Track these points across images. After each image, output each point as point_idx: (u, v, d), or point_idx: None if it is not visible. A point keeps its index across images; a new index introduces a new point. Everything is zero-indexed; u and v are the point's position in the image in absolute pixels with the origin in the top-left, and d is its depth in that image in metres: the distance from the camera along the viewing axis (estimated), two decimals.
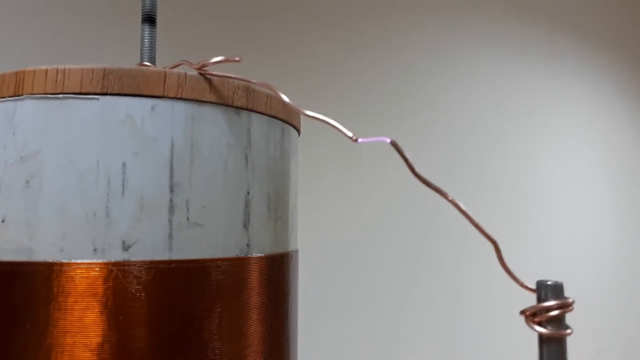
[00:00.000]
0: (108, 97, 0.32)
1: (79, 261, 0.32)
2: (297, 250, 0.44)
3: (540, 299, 0.30)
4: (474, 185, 1.67)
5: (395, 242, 1.44)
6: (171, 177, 0.33)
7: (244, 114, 0.36)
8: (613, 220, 2.24)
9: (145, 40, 0.41)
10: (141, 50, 0.41)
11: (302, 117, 0.40)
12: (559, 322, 0.29)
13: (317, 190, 1.27)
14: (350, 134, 0.30)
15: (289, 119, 0.40)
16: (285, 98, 0.32)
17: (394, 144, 0.31)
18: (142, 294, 0.33)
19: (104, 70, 0.32)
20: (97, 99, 0.32)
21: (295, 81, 1.23)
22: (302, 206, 1.18)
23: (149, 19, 0.41)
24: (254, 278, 0.38)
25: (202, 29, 1.08)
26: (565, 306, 0.29)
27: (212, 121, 0.35)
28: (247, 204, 0.36)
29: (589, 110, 2.19)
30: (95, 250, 0.32)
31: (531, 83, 1.93)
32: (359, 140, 0.30)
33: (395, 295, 1.42)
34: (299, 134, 0.44)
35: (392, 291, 1.42)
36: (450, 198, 0.30)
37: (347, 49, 1.37)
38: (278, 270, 0.40)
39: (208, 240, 0.35)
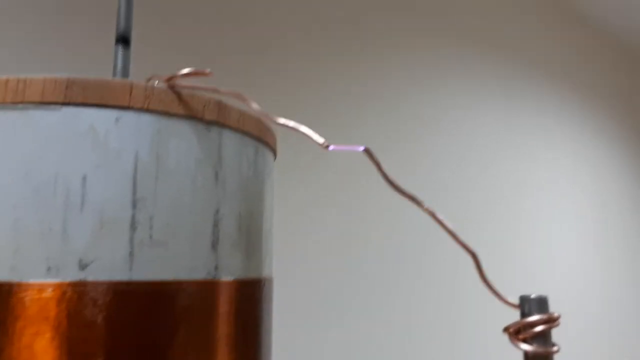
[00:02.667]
0: (71, 107, 0.31)
1: (30, 281, 0.30)
2: (271, 278, 0.42)
3: (524, 314, 0.28)
4: (464, 216, 1.65)
5: (372, 262, 1.40)
6: (134, 192, 0.31)
7: (214, 129, 0.35)
8: (600, 260, 2.22)
9: (119, 61, 0.40)
10: (114, 70, 0.40)
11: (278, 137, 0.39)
12: (544, 338, 0.27)
13: (290, 213, 1.25)
14: (321, 141, 0.29)
15: (263, 137, 0.39)
16: (255, 106, 0.31)
17: (367, 152, 0.29)
18: (99, 318, 0.30)
19: (67, 80, 0.31)
20: (59, 109, 0.31)
21: (269, 93, 1.23)
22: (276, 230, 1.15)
23: (123, 40, 0.40)
24: (223, 304, 0.35)
25: (176, 45, 1.09)
26: (551, 321, 0.28)
27: (180, 135, 0.33)
28: (216, 224, 0.35)
29: (575, 147, 2.21)
30: (49, 269, 0.30)
31: (521, 120, 1.95)
32: (331, 147, 0.29)
33: (374, 313, 1.37)
34: (275, 157, 0.43)
35: (372, 308, 1.37)
36: (426, 207, 0.29)
37: (332, 64, 1.38)
38: (250, 297, 0.38)
39: (172, 260, 0.32)
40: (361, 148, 0.30)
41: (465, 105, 1.73)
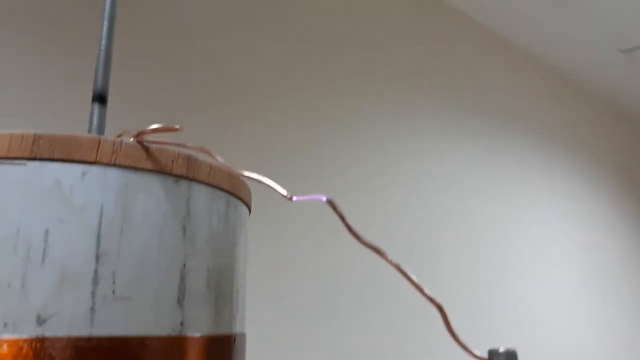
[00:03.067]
0: (36, 162, 0.31)
1: None
2: (243, 334, 0.41)
3: None
4: (445, 266, 1.62)
5: (343, 316, 1.36)
6: (98, 246, 0.31)
7: (183, 183, 0.35)
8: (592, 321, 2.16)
9: (94, 118, 0.41)
10: (90, 127, 0.41)
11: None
12: None
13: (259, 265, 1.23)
14: (284, 192, 0.29)
15: (236, 191, 0.39)
16: (220, 159, 0.31)
17: (330, 202, 0.29)
18: None
19: (34, 135, 0.31)
20: (24, 164, 0.31)
21: (237, 147, 1.23)
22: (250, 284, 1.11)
23: (100, 99, 0.41)
24: None
25: (147, 100, 1.10)
26: None
27: (148, 189, 0.33)
28: (182, 278, 0.34)
29: (567, 207, 2.20)
30: (5, 325, 0.29)
31: (504, 170, 1.95)
32: (294, 198, 0.29)
33: None
34: (250, 211, 0.43)
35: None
36: (389, 258, 0.28)
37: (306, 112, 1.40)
38: (220, 354, 0.37)
39: (136, 315, 0.32)
40: (324, 198, 0.30)
41: (441, 153, 1.74)
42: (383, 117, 1.57)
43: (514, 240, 1.88)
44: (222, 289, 0.37)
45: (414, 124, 1.64)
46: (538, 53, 2.23)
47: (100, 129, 0.41)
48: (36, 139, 0.31)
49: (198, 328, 0.35)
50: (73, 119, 0.96)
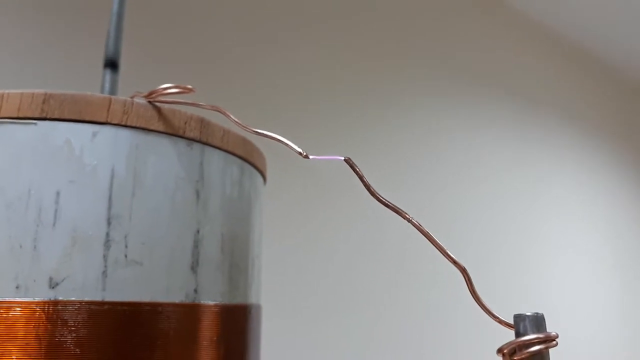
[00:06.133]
0: (47, 122, 0.30)
1: None
2: (259, 306, 0.40)
3: (519, 334, 0.26)
4: (475, 249, 1.60)
5: (364, 285, 1.36)
6: (109, 208, 0.30)
7: (196, 146, 0.34)
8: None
9: (107, 85, 0.40)
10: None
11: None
12: (542, 359, 0.25)
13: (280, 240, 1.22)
14: (300, 150, 0.28)
15: (250, 158, 0.38)
16: (234, 118, 0.30)
17: (348, 161, 0.28)
18: (69, 339, 0.29)
19: (45, 94, 0.31)
20: (35, 123, 0.30)
21: (251, 107, 1.22)
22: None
23: (111, 64, 0.40)
24: (205, 330, 0.33)
25: (158, 58, 1.09)
26: (548, 340, 0.25)
27: (159, 151, 0.32)
28: (196, 244, 0.33)
29: (590, 182, 2.16)
30: (17, 287, 0.29)
31: (531, 145, 1.93)
32: (311, 156, 0.28)
33: (364, 332, 1.31)
34: (265, 181, 0.42)
35: (361, 327, 1.30)
36: (409, 217, 0.27)
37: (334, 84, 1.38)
38: (235, 325, 0.36)
39: (148, 280, 0.31)
40: (342, 157, 0.28)
41: (463, 126, 1.72)
42: (411, 86, 1.55)
43: (540, 207, 1.87)
44: (237, 258, 0.36)
45: (440, 98, 1.62)
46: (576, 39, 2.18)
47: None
48: (46, 98, 0.31)
49: (212, 296, 0.34)
50: (84, 86, 0.96)
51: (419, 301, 1.43)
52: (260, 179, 0.41)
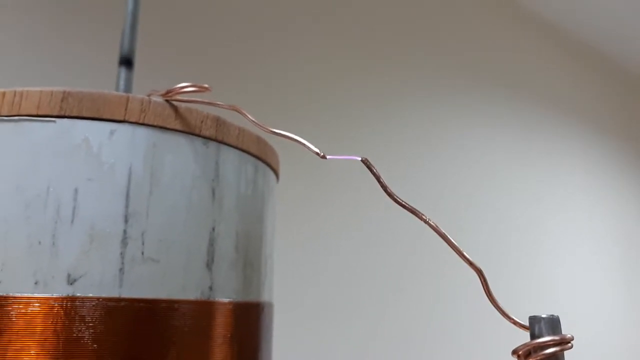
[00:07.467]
0: (65, 120, 0.31)
1: (17, 295, 0.29)
2: (271, 304, 0.40)
3: (534, 336, 0.26)
4: (485, 250, 1.60)
5: (375, 280, 1.36)
6: (127, 206, 0.31)
7: (212, 145, 0.34)
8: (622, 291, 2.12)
9: (122, 83, 0.40)
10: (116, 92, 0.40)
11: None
12: None
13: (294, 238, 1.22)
14: (317, 150, 0.28)
15: (264, 156, 0.38)
16: (251, 118, 0.31)
17: (365, 161, 0.28)
18: (86, 335, 0.29)
19: (64, 92, 0.31)
20: (54, 121, 0.30)
21: (267, 107, 1.22)
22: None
23: (126, 62, 0.40)
24: (219, 327, 0.34)
25: (175, 59, 1.10)
26: (564, 342, 0.25)
27: (176, 150, 0.33)
28: (211, 242, 0.34)
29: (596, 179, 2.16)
30: (36, 283, 0.29)
31: (537, 145, 1.92)
32: (328, 157, 0.28)
33: (378, 332, 1.31)
34: (278, 179, 0.42)
35: (375, 326, 1.31)
36: (425, 218, 0.27)
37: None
38: (248, 322, 0.36)
39: (164, 278, 0.31)
40: (359, 158, 0.29)
41: (474, 123, 1.72)
42: (427, 87, 1.55)
43: (551, 208, 1.86)
44: (250, 256, 0.37)
45: (453, 99, 1.62)
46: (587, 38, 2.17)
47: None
48: (65, 96, 0.31)
49: (227, 294, 0.34)
50: (98, 84, 0.96)
51: (433, 302, 1.43)
52: (273, 177, 0.41)
